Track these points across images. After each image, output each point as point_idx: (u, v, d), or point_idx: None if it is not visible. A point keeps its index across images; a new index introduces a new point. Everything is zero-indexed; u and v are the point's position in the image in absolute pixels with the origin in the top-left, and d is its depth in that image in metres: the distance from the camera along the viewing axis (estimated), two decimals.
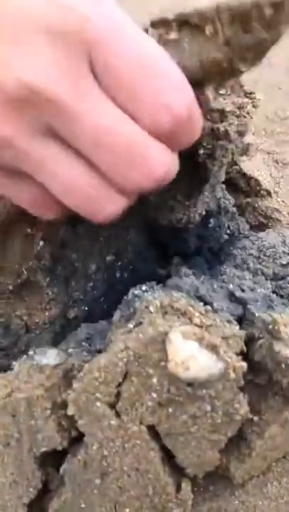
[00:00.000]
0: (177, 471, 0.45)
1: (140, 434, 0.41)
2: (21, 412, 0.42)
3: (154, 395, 0.40)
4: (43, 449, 0.42)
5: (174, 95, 0.33)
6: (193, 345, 0.37)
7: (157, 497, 0.43)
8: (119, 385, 0.40)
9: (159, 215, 0.57)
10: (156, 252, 0.65)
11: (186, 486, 0.44)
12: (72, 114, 0.32)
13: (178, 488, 0.44)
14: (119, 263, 0.60)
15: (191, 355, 0.37)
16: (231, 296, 0.50)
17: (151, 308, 0.42)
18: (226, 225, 0.65)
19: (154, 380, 0.40)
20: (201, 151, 0.50)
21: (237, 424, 0.42)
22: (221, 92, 0.58)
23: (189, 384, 0.39)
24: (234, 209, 0.67)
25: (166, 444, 0.43)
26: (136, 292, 0.47)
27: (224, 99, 0.56)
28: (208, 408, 0.40)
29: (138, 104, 0.33)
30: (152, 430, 0.42)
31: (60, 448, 0.42)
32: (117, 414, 0.41)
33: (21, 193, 0.41)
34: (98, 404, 0.40)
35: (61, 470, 0.44)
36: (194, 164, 0.52)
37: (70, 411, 0.42)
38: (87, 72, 0.32)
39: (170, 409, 0.41)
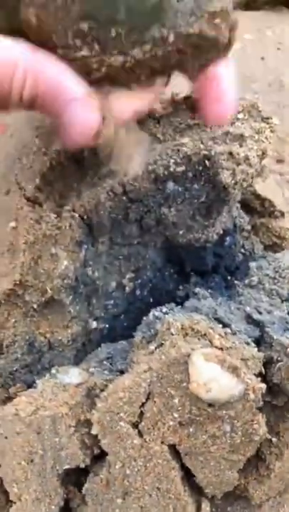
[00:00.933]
0: (197, 491, 0.46)
1: (162, 454, 0.43)
2: (46, 430, 0.43)
3: (176, 415, 0.41)
4: (66, 466, 0.43)
5: None
6: (215, 368, 0.39)
7: None
8: (142, 405, 0.42)
9: (178, 234, 0.59)
10: (174, 269, 0.66)
11: (205, 506, 0.45)
12: None
13: (198, 508, 0.45)
14: (139, 281, 0.62)
15: (213, 378, 0.38)
16: (249, 319, 0.51)
17: (173, 330, 0.43)
18: (242, 244, 0.67)
19: (176, 401, 0.41)
20: (223, 176, 0.52)
21: (255, 445, 0.43)
22: (238, 116, 0.60)
23: (210, 404, 0.40)
24: (249, 227, 0.69)
25: (186, 464, 0.44)
26: (156, 314, 0.48)
27: (242, 123, 0.58)
28: (228, 428, 0.41)
29: None
30: (173, 449, 0.43)
31: (82, 465, 0.43)
32: (140, 434, 0.42)
33: None
34: (122, 423, 0.42)
35: (83, 489, 0.45)
36: (214, 187, 0.54)
37: (95, 430, 0.43)
38: None
39: (191, 429, 0.42)
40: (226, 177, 0.52)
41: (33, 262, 0.55)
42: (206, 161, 0.53)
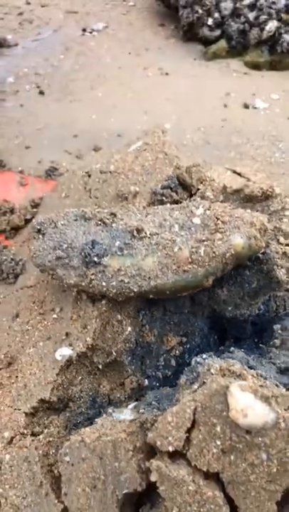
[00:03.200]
0: None
1: (214, 500, 0.47)
2: (108, 454, 0.50)
3: (219, 442, 0.48)
4: (125, 491, 0.49)
5: None
6: (250, 397, 0.46)
7: None
8: (189, 432, 0.48)
9: (226, 309, 0.69)
10: (216, 335, 0.75)
11: None
12: None
13: None
14: (188, 345, 0.70)
15: (249, 405, 0.46)
16: (277, 369, 0.58)
17: (212, 370, 0.51)
18: (274, 308, 0.75)
19: (218, 429, 0.48)
20: (279, 273, 0.63)
21: None
22: (286, 213, 0.73)
23: (247, 432, 0.47)
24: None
25: (230, 493, 0.49)
26: (198, 360, 0.57)
27: None
28: (265, 457, 0.47)
29: None
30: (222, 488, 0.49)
31: (139, 489, 0.49)
32: (188, 462, 0.48)
33: None
34: (170, 448, 0.48)
35: None
36: (266, 275, 0.65)
37: (153, 477, 0.48)
38: None
39: (232, 457, 0.48)
40: (281, 274, 0.64)
41: (102, 327, 0.66)
42: (261, 255, 0.65)
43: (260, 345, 0.70)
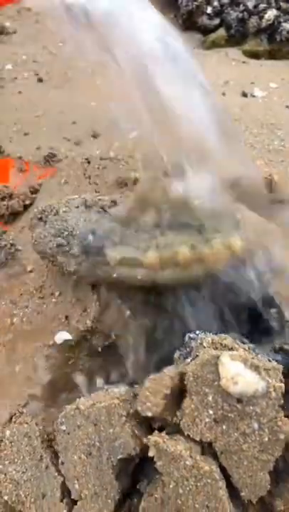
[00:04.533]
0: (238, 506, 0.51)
1: (211, 474, 0.48)
2: (102, 421, 0.52)
3: (211, 412, 0.49)
4: (120, 456, 0.51)
5: None
6: (240, 365, 0.48)
7: None
8: (179, 401, 0.50)
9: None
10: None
11: None
12: None
13: None
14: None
15: (239, 373, 0.47)
16: (271, 349, 0.60)
17: (205, 344, 0.53)
18: None
19: (210, 398, 0.49)
20: None
21: (282, 444, 0.49)
22: None
23: (239, 401, 0.48)
24: None
25: (223, 463, 0.50)
26: (191, 335, 0.58)
27: None
28: (256, 426, 0.49)
29: None
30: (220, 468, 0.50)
31: (133, 453, 0.50)
32: (181, 432, 0.50)
33: None
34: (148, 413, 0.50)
35: (140, 508, 0.51)
36: None
37: (151, 452, 0.49)
38: None
39: (224, 427, 0.50)
40: None
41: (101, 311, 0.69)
42: None
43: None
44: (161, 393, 0.50)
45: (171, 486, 0.49)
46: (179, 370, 0.51)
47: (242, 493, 0.50)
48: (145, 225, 0.66)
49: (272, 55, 1.61)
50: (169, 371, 0.51)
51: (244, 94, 1.37)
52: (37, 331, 0.75)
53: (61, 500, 0.55)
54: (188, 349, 0.56)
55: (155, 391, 0.50)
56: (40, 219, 0.72)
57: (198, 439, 0.50)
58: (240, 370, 0.47)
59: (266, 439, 0.49)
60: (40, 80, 1.41)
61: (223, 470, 0.50)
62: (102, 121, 1.20)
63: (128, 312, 0.69)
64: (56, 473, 0.56)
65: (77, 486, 0.52)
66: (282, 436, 0.49)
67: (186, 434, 0.50)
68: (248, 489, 0.50)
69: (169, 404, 0.51)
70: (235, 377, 0.47)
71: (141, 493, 0.52)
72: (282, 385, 0.49)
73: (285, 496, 0.53)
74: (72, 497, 0.53)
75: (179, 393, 0.52)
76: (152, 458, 0.49)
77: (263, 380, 0.48)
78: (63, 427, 0.54)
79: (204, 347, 0.52)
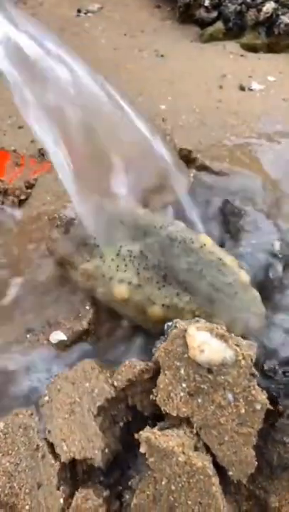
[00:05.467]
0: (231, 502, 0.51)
1: (203, 470, 0.47)
2: (79, 378, 0.55)
3: (184, 385, 0.49)
4: (98, 403, 0.53)
5: None
6: (205, 334, 0.48)
7: None
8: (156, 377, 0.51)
9: None
10: None
11: None
12: None
13: None
14: None
15: (204, 341, 0.48)
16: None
17: (177, 325, 0.53)
18: None
19: (182, 371, 0.50)
20: None
21: (260, 415, 0.49)
22: None
23: (210, 371, 0.49)
24: None
25: (204, 440, 0.50)
26: (169, 324, 0.57)
27: None
28: (231, 397, 0.49)
29: None
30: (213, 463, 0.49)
31: (109, 396, 0.53)
32: (158, 408, 0.51)
33: None
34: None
35: (132, 505, 0.50)
36: None
37: (142, 449, 0.49)
38: None
39: (199, 400, 0.49)
40: None
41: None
42: None
43: None
44: (135, 368, 0.52)
45: (163, 483, 0.48)
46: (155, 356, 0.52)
47: (229, 473, 0.49)
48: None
49: (270, 49, 1.60)
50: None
51: (241, 88, 1.36)
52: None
53: (58, 488, 0.54)
54: (166, 336, 0.56)
55: (129, 367, 0.53)
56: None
57: (175, 414, 0.49)
58: (206, 339, 0.48)
59: (243, 410, 0.48)
60: None
61: (207, 449, 0.50)
62: None
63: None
64: (53, 461, 0.55)
65: (65, 447, 0.53)
66: (258, 407, 0.48)
67: (162, 410, 0.50)
68: (234, 467, 0.49)
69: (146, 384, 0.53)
70: (201, 345, 0.47)
71: (133, 489, 0.51)
72: (252, 353, 0.49)
73: (280, 493, 0.53)
74: (62, 460, 0.54)
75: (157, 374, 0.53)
76: (144, 454, 0.48)
77: (230, 348, 0.48)
78: (46, 398, 0.57)
79: (176, 327, 0.52)
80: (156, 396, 0.51)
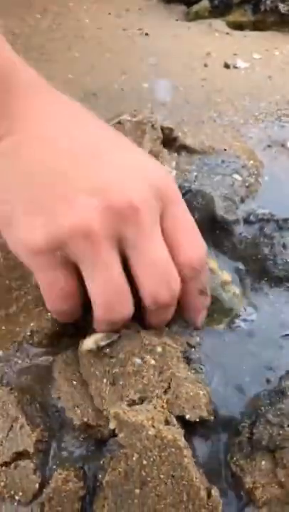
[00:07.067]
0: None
1: (175, 443, 0.47)
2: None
3: None
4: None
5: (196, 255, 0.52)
6: None
7: (191, 503, 0.47)
8: None
9: None
10: None
11: (215, 492, 0.48)
12: (141, 242, 0.47)
13: (208, 495, 0.48)
14: None
15: None
16: None
17: None
18: None
19: None
20: None
21: None
22: None
23: None
24: None
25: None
26: None
27: None
28: None
29: (180, 248, 0.50)
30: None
31: None
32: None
33: (56, 282, 0.50)
34: None
35: (104, 482, 0.48)
36: None
37: (112, 425, 0.48)
38: (158, 219, 0.49)
39: None
40: None
41: None
42: None
43: None
44: None
45: (134, 458, 0.47)
46: None
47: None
48: None
49: (256, 26, 1.57)
50: None
51: (226, 66, 1.33)
52: None
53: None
54: None
55: None
56: None
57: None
58: None
59: None
60: (17, 52, 1.36)
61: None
62: (78, 94, 1.17)
63: None
64: (30, 432, 0.53)
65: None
66: None
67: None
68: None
69: None
70: None
71: (105, 469, 0.49)
72: None
73: (256, 475, 0.51)
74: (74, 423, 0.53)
75: None
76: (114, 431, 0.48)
77: None
78: None
79: None
80: None
